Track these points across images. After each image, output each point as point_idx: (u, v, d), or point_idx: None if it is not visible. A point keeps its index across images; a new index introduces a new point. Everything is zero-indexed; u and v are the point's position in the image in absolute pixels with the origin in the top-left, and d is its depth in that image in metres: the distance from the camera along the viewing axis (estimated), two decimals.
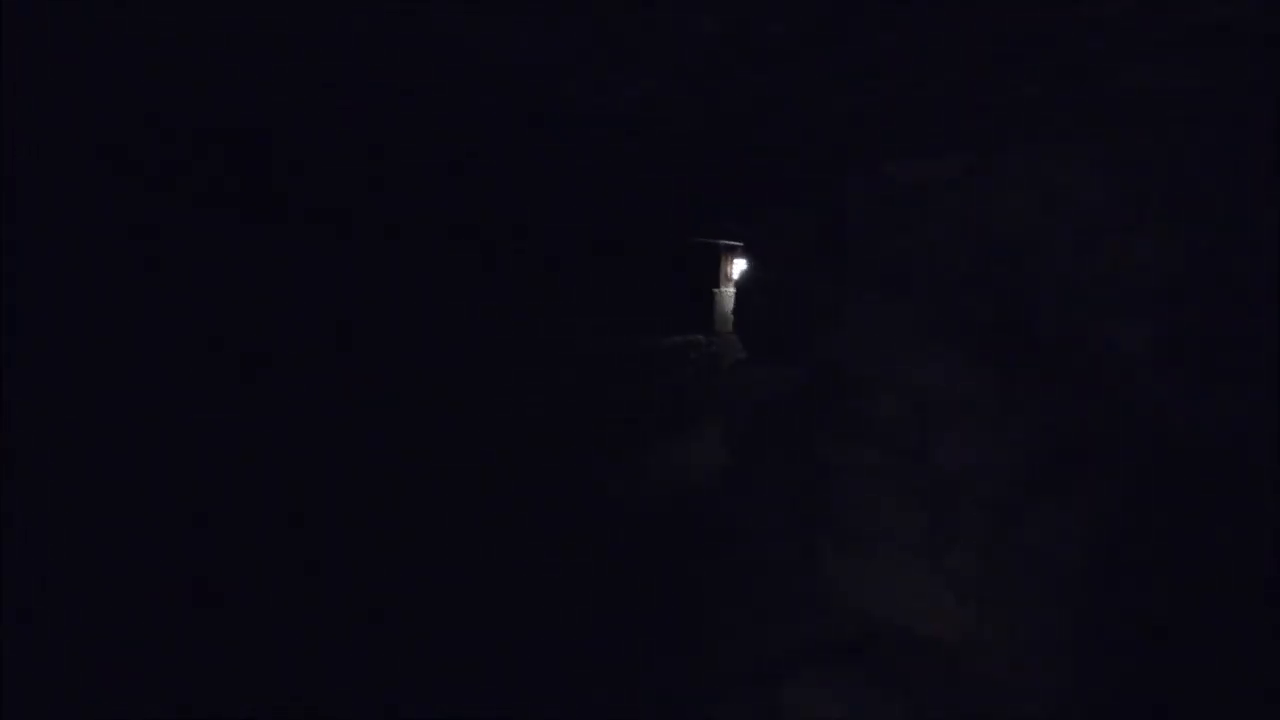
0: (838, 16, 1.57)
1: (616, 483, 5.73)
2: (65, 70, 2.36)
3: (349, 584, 3.52)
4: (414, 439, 4.13)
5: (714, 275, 9.25)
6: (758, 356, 3.87)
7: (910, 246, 3.00)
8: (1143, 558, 2.37)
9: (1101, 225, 2.55)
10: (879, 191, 3.13)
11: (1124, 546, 2.42)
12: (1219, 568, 2.25)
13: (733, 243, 8.86)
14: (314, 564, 3.47)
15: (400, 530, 3.94)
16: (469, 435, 4.53)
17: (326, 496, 3.60)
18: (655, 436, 6.61)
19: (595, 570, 4.19)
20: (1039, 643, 2.56)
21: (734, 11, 1.56)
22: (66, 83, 2.42)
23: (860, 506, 3.18)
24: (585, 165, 3.50)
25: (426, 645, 3.22)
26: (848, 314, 3.25)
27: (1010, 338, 2.75)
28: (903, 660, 2.94)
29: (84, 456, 2.69)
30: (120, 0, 1.81)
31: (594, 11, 1.60)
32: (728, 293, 9.25)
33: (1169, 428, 2.38)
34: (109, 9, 1.86)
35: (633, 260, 7.99)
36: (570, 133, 2.87)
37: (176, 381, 3.01)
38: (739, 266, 9.34)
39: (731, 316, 9.31)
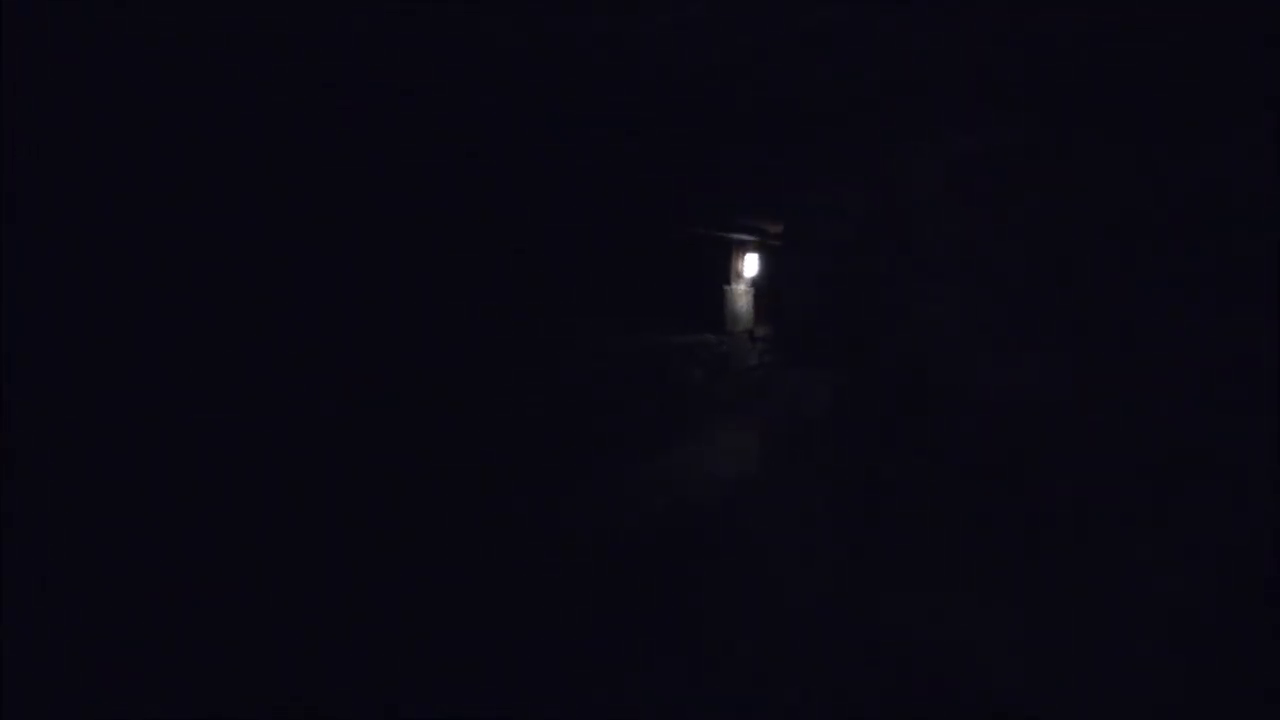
0: None
1: (621, 489, 5.73)
2: (65, 70, 2.35)
3: (349, 584, 3.52)
4: (414, 439, 4.13)
5: (725, 271, 8.80)
6: (799, 358, 3.27)
7: (992, 226, 2.43)
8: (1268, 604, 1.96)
9: (1228, 206, 2.01)
10: (946, 162, 2.54)
11: (1252, 589, 2.00)
12: None
13: (744, 237, 8.52)
14: (314, 564, 3.47)
15: (400, 530, 3.94)
16: (469, 435, 4.53)
17: (326, 496, 3.60)
18: (662, 443, 6.58)
19: (596, 580, 4.18)
20: (1144, 707, 2.07)
21: None
22: (66, 83, 2.42)
23: (927, 534, 2.68)
24: (594, 139, 3.30)
25: (426, 645, 3.21)
26: (916, 308, 2.71)
27: (1122, 335, 2.21)
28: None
29: (84, 456, 2.69)
30: (120, 0, 1.81)
31: None
32: (739, 290, 8.89)
33: None
34: (109, 9, 1.86)
35: (639, 256, 7.78)
36: (584, 89, 2.57)
37: (176, 381, 3.00)
38: (751, 262, 8.96)
39: (743, 315, 8.91)
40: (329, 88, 2.84)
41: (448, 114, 3.29)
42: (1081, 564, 2.33)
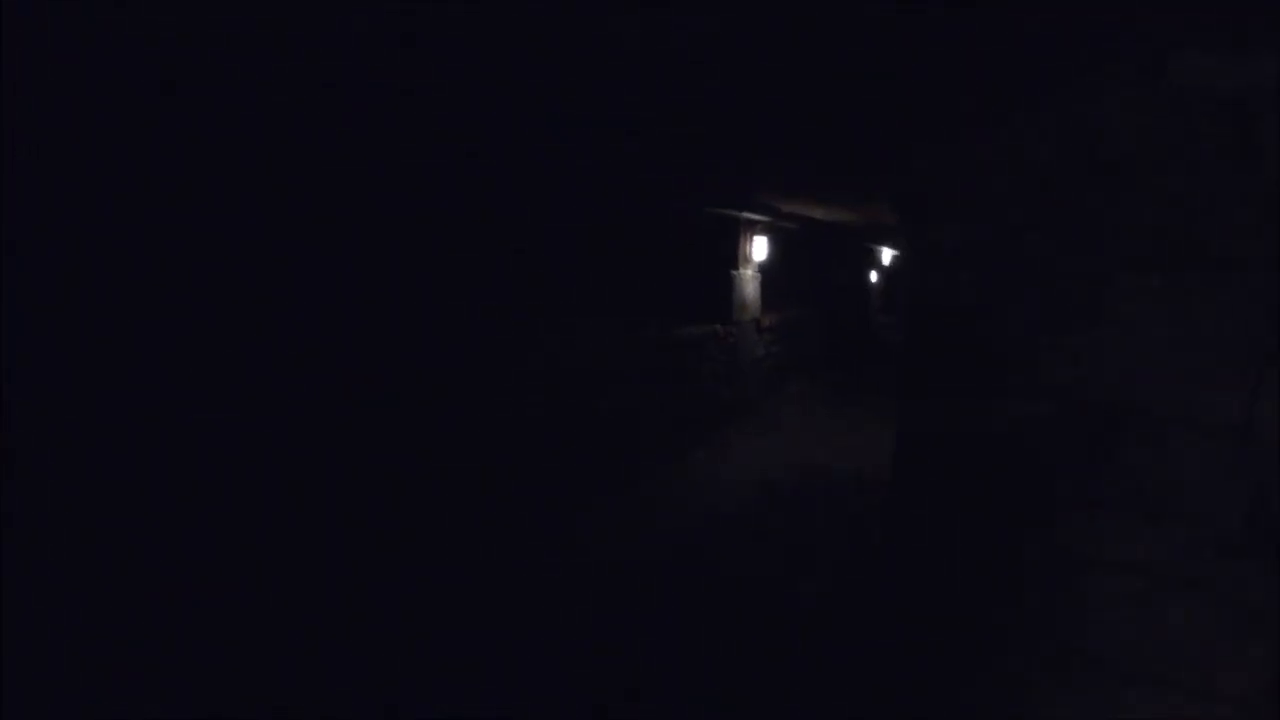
0: None
1: (632, 493, 5.72)
2: (65, 70, 2.36)
3: (349, 584, 3.52)
4: (414, 439, 4.13)
5: (732, 254, 7.90)
6: (933, 375, 2.31)
7: (1227, 191, 1.61)
8: None
9: None
10: (1166, 105, 1.72)
11: None
12: None
13: (754, 216, 7.76)
14: (314, 564, 3.47)
15: (400, 530, 3.94)
16: (469, 435, 4.53)
17: (326, 496, 3.60)
18: (668, 448, 6.56)
19: (597, 582, 4.18)
20: None
21: None
22: (66, 83, 2.42)
23: (1128, 619, 1.84)
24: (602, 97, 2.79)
25: (426, 645, 3.22)
26: (1107, 305, 1.87)
27: None
28: None
29: (84, 456, 2.69)
30: (120, 0, 1.81)
31: None
32: (747, 275, 8.13)
33: None
34: (109, 9, 1.86)
35: (639, 236, 7.33)
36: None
37: (176, 381, 3.01)
38: (760, 245, 8.18)
39: (751, 303, 8.18)
40: (329, 88, 2.84)
41: (447, 113, 3.29)
42: None
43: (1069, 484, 2.04)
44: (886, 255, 15.35)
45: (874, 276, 15.10)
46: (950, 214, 2.32)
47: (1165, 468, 1.86)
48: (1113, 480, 1.97)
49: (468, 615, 3.52)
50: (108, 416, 2.76)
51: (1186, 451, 1.82)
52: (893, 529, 2.58)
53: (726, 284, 7.89)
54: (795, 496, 5.60)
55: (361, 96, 3.02)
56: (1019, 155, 2.10)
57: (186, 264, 3.05)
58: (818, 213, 8.20)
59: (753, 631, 3.49)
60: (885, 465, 6.91)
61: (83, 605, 2.63)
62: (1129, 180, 1.95)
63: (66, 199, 2.61)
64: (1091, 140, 1.98)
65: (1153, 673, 1.93)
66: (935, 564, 2.35)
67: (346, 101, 3.11)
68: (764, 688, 3.04)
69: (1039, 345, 2.10)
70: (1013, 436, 2.09)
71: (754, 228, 8.06)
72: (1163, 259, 1.89)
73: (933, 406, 2.30)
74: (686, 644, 3.37)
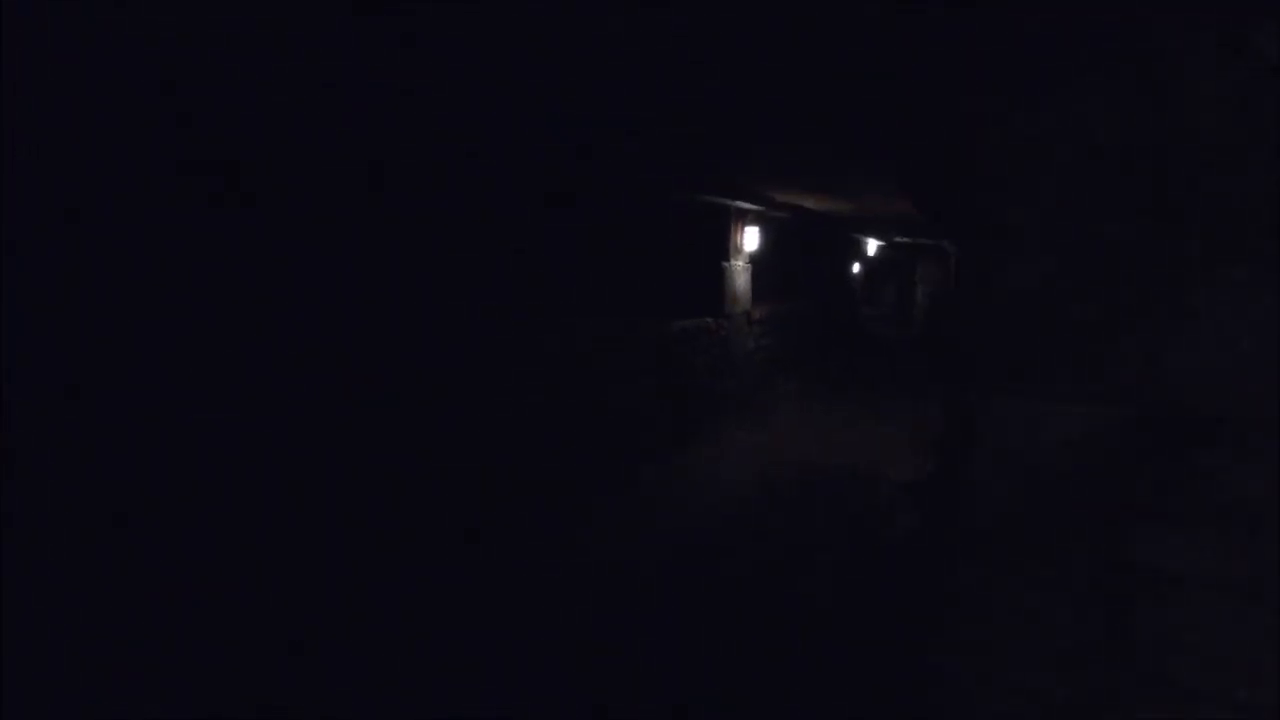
0: None
1: (632, 493, 5.72)
2: (65, 70, 2.36)
3: (349, 584, 3.52)
4: (414, 439, 4.13)
5: (723, 245, 7.70)
6: (994, 377, 2.13)
7: None
8: None
9: None
10: (1243, 76, 1.64)
11: None
12: None
13: (746, 205, 7.52)
14: (314, 564, 3.47)
15: (400, 530, 3.94)
16: (469, 435, 4.53)
17: (326, 496, 3.60)
18: (667, 446, 6.57)
19: (597, 582, 4.18)
20: None
21: None
22: (67, 82, 2.42)
23: (1205, 637, 1.76)
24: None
25: (426, 645, 3.22)
26: (1186, 302, 1.77)
27: None
28: None
29: (84, 456, 2.69)
30: (120, 0, 1.81)
31: None
32: (738, 266, 7.92)
33: None
34: (109, 9, 1.86)
35: (635, 234, 7.25)
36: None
37: (176, 381, 3.01)
38: (751, 236, 7.95)
39: (742, 295, 8.02)
40: (329, 88, 2.84)
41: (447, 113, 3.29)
42: None
43: (1144, 493, 1.88)
44: (872, 246, 15.26)
45: (857, 267, 15.02)
46: (1001, 205, 2.08)
47: (1252, 476, 1.69)
48: (1193, 490, 1.81)
49: (468, 615, 3.52)
50: (108, 416, 2.76)
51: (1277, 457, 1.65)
52: (951, 540, 2.32)
53: (717, 276, 7.67)
54: (794, 495, 5.60)
55: (361, 96, 3.02)
56: (1077, 139, 1.83)
57: (186, 264, 3.05)
58: (809, 202, 8.19)
59: (753, 631, 3.49)
60: (882, 463, 6.91)
61: (83, 605, 2.63)
62: (1208, 166, 1.75)
63: (66, 199, 2.61)
64: (1166, 121, 1.78)
65: (1224, 692, 1.75)
66: (997, 574, 2.12)
67: (346, 101, 3.11)
68: (764, 688, 3.04)
69: (1112, 345, 1.92)
70: (1083, 443, 1.88)
71: (745, 217, 7.91)
72: (1248, 252, 1.71)
73: (996, 409, 2.05)
74: (686, 644, 3.37)
